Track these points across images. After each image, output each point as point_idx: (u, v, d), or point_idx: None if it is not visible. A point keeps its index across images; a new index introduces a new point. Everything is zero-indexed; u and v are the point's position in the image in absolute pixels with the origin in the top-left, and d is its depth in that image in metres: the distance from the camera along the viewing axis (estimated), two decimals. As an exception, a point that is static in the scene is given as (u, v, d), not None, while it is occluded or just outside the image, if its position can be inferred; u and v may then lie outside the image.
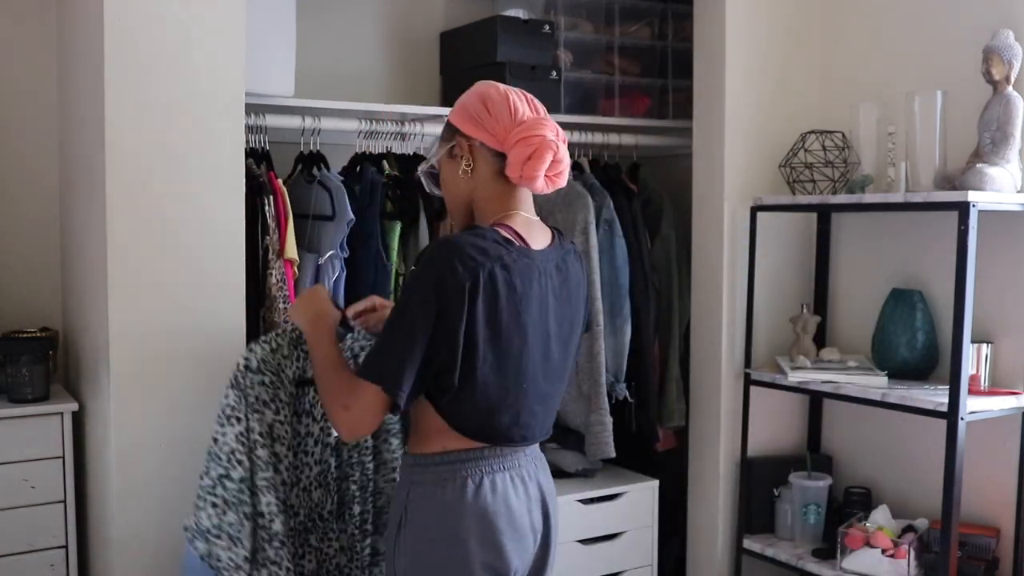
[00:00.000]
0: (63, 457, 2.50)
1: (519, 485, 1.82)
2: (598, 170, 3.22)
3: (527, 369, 1.78)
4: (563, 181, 1.83)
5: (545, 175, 1.78)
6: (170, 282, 2.29)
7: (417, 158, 2.98)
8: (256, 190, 2.54)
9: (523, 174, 1.77)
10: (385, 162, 2.91)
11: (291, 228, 2.60)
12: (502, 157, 1.79)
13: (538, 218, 1.87)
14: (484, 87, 1.85)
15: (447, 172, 1.86)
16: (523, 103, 1.81)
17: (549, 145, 1.76)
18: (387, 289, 2.70)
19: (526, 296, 1.75)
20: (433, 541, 1.77)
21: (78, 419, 2.55)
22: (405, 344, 1.69)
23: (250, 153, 2.61)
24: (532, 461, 1.88)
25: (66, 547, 2.52)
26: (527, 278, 1.75)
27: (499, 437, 1.80)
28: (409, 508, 1.79)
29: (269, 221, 2.54)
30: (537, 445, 1.91)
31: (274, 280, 2.54)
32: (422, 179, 1.95)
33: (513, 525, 1.80)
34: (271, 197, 2.56)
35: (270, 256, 2.54)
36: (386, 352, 1.72)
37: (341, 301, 2.67)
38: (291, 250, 2.58)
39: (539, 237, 1.84)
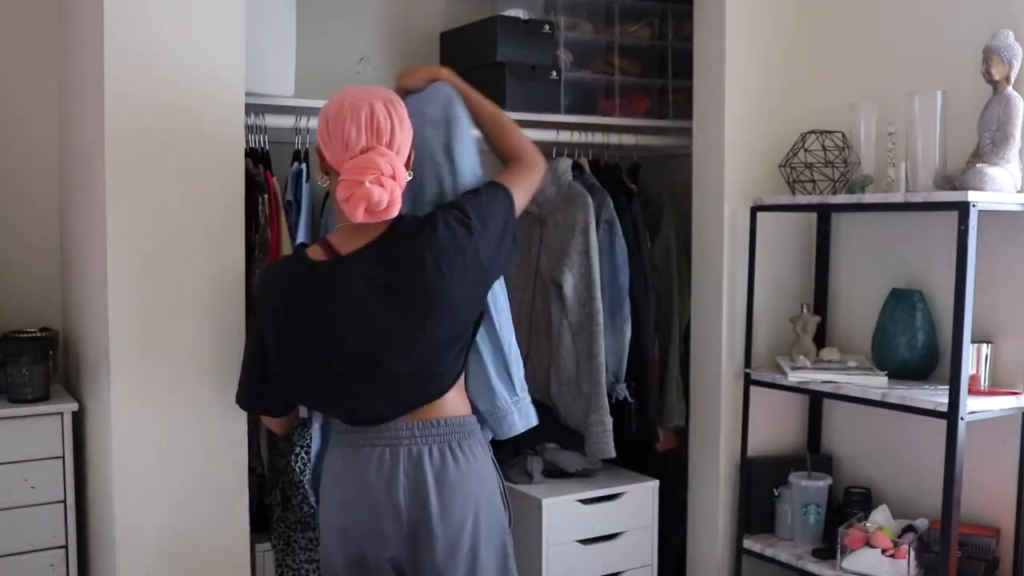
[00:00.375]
0: (63, 457, 2.50)
1: (386, 457, 1.96)
2: (598, 170, 3.22)
3: (334, 365, 1.95)
4: (391, 214, 1.89)
5: (366, 211, 1.87)
6: (170, 282, 2.29)
7: None
8: (254, 189, 2.55)
9: (345, 210, 1.88)
10: None
11: (283, 225, 2.61)
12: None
13: (362, 243, 1.95)
14: (335, 101, 1.93)
15: (319, 173, 2.03)
16: (360, 130, 1.88)
17: (363, 194, 1.84)
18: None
19: (320, 304, 1.92)
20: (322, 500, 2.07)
21: (78, 419, 2.55)
22: (245, 359, 2.09)
23: (249, 153, 2.61)
24: (422, 440, 1.98)
25: (66, 547, 2.52)
26: (322, 289, 1.93)
27: (354, 421, 2.00)
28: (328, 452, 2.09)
29: (262, 219, 2.55)
30: (446, 426, 2.00)
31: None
32: None
33: (368, 492, 1.95)
34: (265, 196, 2.57)
35: (257, 254, 2.55)
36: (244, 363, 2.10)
37: None
38: (286, 246, 2.59)
39: (359, 240, 1.94)
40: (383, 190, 1.86)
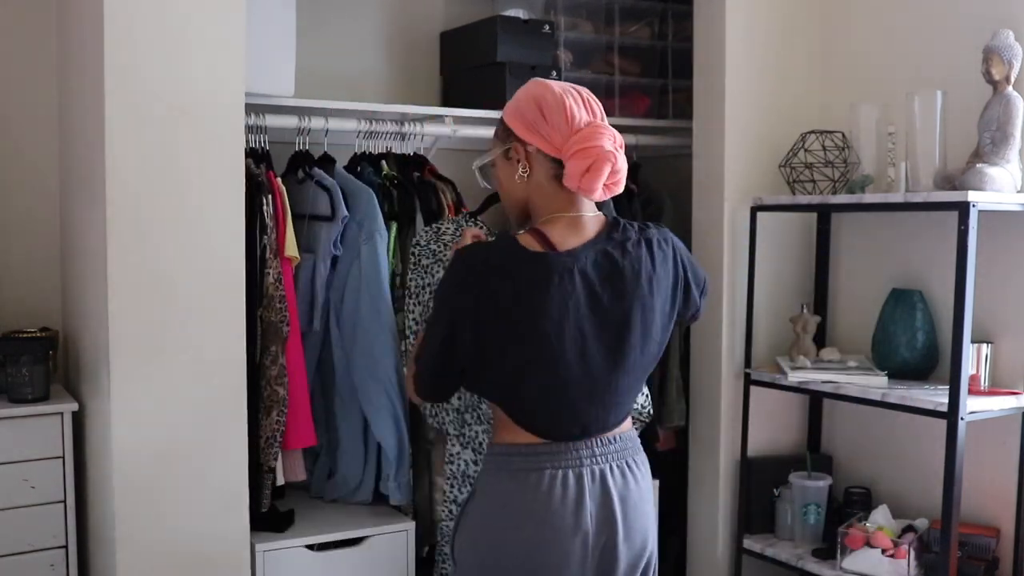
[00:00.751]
0: (63, 457, 2.50)
1: (570, 482, 1.79)
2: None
3: (551, 367, 1.77)
4: (620, 188, 1.81)
5: (603, 184, 1.78)
6: (170, 282, 2.29)
7: (417, 158, 2.98)
8: (255, 189, 2.55)
9: (581, 186, 1.77)
10: (384, 162, 2.91)
11: (290, 226, 2.60)
12: (559, 163, 1.78)
13: (593, 213, 1.85)
14: (540, 88, 1.82)
15: (503, 174, 1.87)
16: (580, 107, 1.79)
17: (607, 156, 1.75)
18: (377, 287, 2.69)
19: (536, 299, 1.75)
20: (484, 522, 1.83)
21: (78, 419, 2.55)
22: (432, 347, 1.80)
23: (250, 153, 2.61)
24: (603, 458, 1.83)
25: (66, 547, 2.52)
26: (539, 283, 1.75)
27: (545, 432, 1.81)
28: (476, 489, 1.88)
29: (267, 220, 2.55)
30: (620, 443, 1.86)
31: (271, 279, 2.54)
32: (477, 174, 1.94)
33: (551, 521, 1.78)
34: (270, 196, 2.56)
35: (268, 255, 2.54)
36: (423, 351, 1.84)
37: (321, 297, 2.70)
38: (291, 248, 2.58)
39: (577, 236, 1.81)
40: (621, 155, 1.78)
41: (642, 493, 1.87)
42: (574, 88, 1.83)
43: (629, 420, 1.92)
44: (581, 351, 1.78)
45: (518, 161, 1.82)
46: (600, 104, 1.84)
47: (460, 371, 1.81)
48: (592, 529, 1.79)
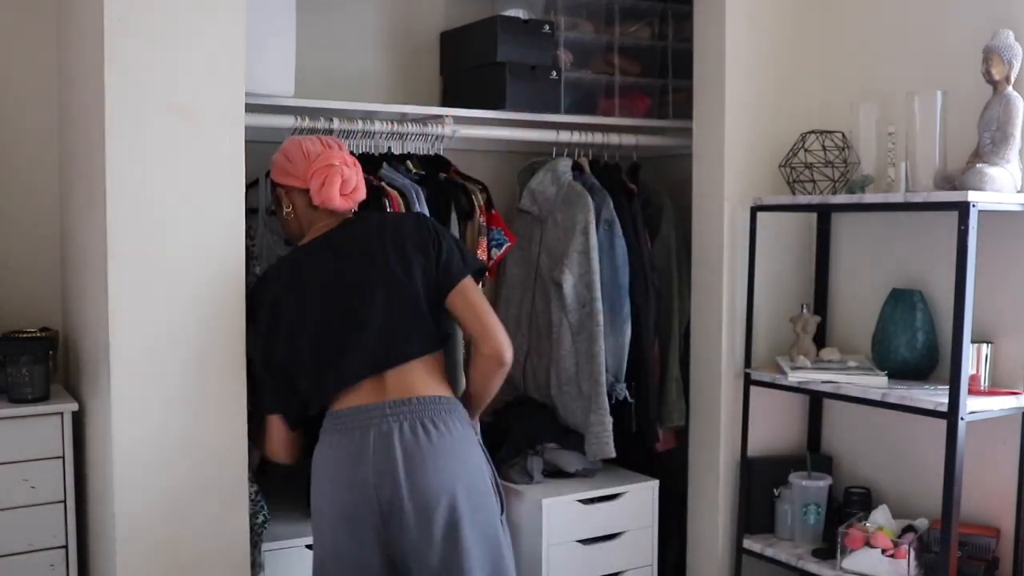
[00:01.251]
0: (63, 457, 2.50)
1: (348, 440, 2.10)
2: (598, 170, 3.22)
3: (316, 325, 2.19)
4: (360, 196, 2.32)
5: (340, 194, 2.26)
6: (170, 282, 2.29)
7: (439, 159, 2.98)
8: (375, 194, 2.66)
9: (322, 199, 2.26)
10: (409, 163, 2.91)
11: None
12: (306, 192, 2.30)
13: (342, 218, 2.33)
14: (287, 143, 2.37)
15: (280, 215, 2.40)
16: (314, 143, 2.32)
17: (336, 171, 2.25)
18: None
19: (297, 276, 2.23)
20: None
21: (78, 419, 2.55)
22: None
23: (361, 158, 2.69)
24: (384, 418, 2.10)
25: (66, 547, 2.52)
26: (299, 264, 2.26)
27: (336, 379, 2.16)
28: None
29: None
30: (416, 401, 2.12)
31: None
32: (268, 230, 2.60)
33: (337, 476, 2.10)
34: (386, 201, 2.68)
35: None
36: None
37: None
38: None
39: (322, 230, 2.31)
40: (351, 170, 2.27)
41: (436, 451, 2.08)
42: (318, 136, 2.41)
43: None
44: (339, 301, 2.24)
45: (282, 203, 2.37)
46: (340, 143, 2.38)
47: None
48: (373, 481, 2.06)
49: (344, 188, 2.25)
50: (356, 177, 2.27)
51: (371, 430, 2.08)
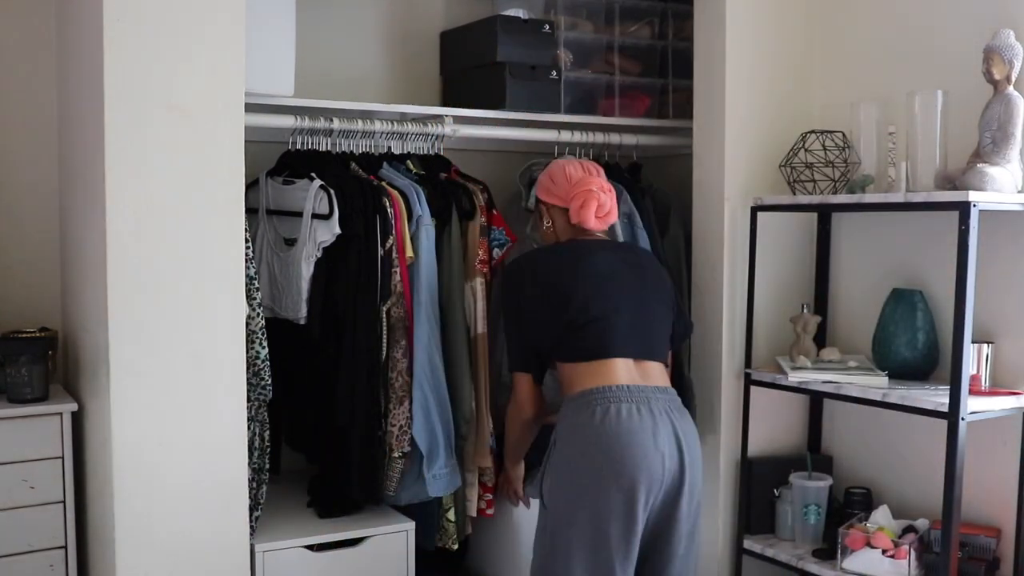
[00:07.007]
0: (63, 457, 2.50)
1: (644, 413, 2.31)
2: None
3: (601, 294, 2.43)
4: (612, 219, 2.62)
5: (595, 216, 2.56)
6: (170, 281, 2.29)
7: (440, 159, 2.98)
8: (376, 194, 2.68)
9: (579, 219, 2.55)
10: (409, 162, 2.91)
11: (406, 228, 2.72)
12: (566, 211, 2.59)
13: (599, 237, 2.62)
14: (552, 165, 2.67)
15: (540, 227, 2.69)
16: (576, 168, 2.62)
17: (594, 196, 2.55)
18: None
19: (572, 259, 2.48)
20: (570, 458, 2.33)
21: (78, 419, 2.55)
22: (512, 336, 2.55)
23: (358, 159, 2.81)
24: (661, 401, 2.36)
25: (66, 547, 2.52)
26: (574, 252, 2.51)
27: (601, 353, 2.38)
28: (557, 437, 2.38)
29: (390, 222, 2.70)
30: (671, 394, 2.42)
31: (397, 278, 2.71)
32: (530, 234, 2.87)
33: (633, 441, 2.27)
34: (387, 200, 2.72)
35: (394, 255, 2.70)
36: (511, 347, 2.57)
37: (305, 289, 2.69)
38: (409, 248, 2.71)
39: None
40: (607, 196, 2.57)
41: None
42: (577, 159, 2.75)
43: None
44: (619, 285, 2.51)
45: (542, 218, 2.66)
46: (597, 167, 2.66)
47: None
48: (667, 452, 2.29)
49: (599, 211, 2.56)
50: (611, 202, 2.58)
51: (669, 410, 2.37)
